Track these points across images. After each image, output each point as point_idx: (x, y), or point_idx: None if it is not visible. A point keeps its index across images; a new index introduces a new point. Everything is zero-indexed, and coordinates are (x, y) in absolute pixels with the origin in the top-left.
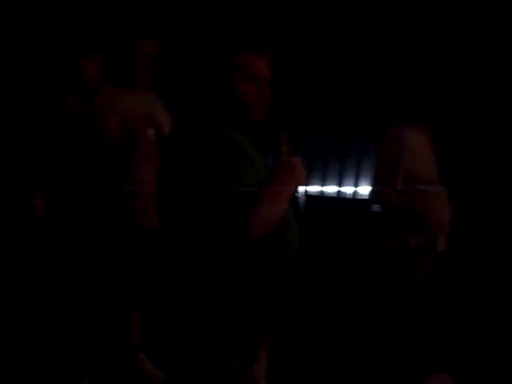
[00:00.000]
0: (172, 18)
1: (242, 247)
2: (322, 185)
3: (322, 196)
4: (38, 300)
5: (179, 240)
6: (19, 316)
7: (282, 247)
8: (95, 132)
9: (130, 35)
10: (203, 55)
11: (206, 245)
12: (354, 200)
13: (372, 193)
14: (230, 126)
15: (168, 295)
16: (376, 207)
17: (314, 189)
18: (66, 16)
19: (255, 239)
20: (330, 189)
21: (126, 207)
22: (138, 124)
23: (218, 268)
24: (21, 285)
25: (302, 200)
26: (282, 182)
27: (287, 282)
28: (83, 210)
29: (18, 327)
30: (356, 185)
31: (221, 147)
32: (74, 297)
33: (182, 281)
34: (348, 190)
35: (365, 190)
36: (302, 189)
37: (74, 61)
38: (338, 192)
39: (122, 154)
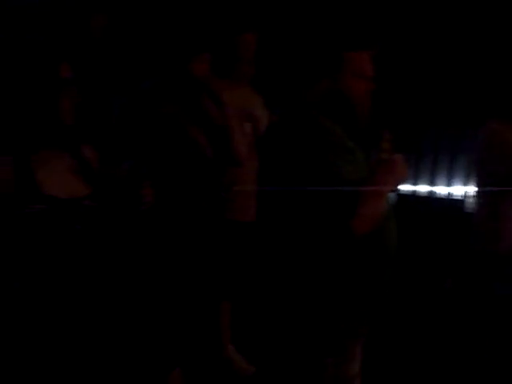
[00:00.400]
0: (274, 15)
1: (343, 244)
2: (414, 184)
3: (413, 195)
4: (138, 288)
5: (280, 235)
6: (118, 304)
7: (381, 245)
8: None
9: (233, 30)
10: (306, 52)
11: (307, 240)
12: (447, 200)
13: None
14: (333, 121)
15: (264, 290)
16: (469, 207)
17: (405, 188)
18: (178, 16)
19: (358, 237)
20: (422, 188)
21: (222, 199)
22: (236, 118)
23: (319, 264)
24: (123, 271)
25: (393, 199)
26: (384, 180)
27: (385, 280)
28: (184, 202)
29: (118, 315)
30: (449, 184)
31: (323, 143)
32: (169, 286)
33: (280, 276)
34: (440, 189)
35: (458, 189)
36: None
37: (186, 62)
38: (430, 192)
39: (221, 147)
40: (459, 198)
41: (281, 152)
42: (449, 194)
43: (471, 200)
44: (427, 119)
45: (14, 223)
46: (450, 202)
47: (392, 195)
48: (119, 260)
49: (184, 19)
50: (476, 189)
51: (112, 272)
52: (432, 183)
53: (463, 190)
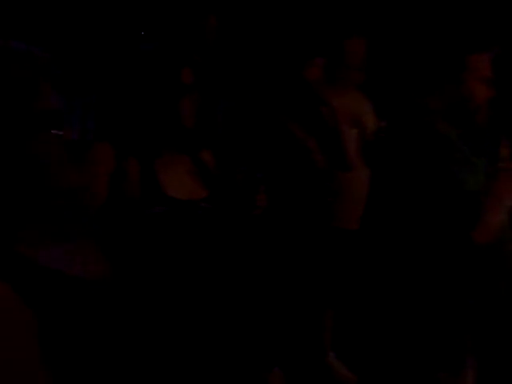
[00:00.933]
0: (387, 20)
1: (464, 255)
2: None
3: None
4: (248, 288)
5: (393, 243)
6: (229, 302)
7: (500, 256)
8: (325, 129)
9: (342, 36)
10: (427, 58)
11: (425, 252)
12: None
13: None
14: (450, 125)
15: (372, 299)
16: None
17: None
18: (291, 20)
19: (479, 246)
20: None
21: (329, 206)
22: (346, 123)
23: (437, 274)
24: (235, 272)
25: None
26: (505, 189)
27: (502, 293)
28: (294, 207)
29: (229, 313)
30: None
31: (445, 152)
32: (274, 291)
33: (392, 286)
34: None
35: None
36: None
37: (299, 67)
38: None
39: (331, 152)
40: None
41: (397, 159)
42: None
43: None
44: None
45: (139, 222)
46: None
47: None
48: (232, 261)
49: (297, 23)
50: None
51: (224, 272)
52: None
53: None
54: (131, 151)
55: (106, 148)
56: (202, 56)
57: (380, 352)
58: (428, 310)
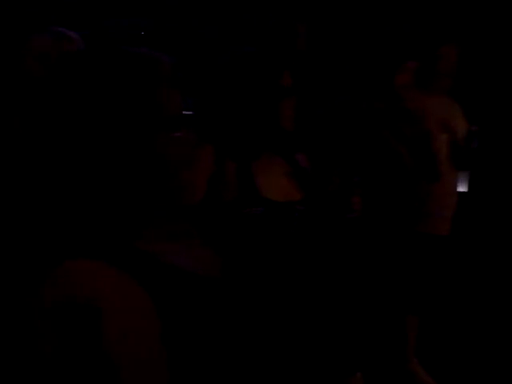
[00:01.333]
0: (477, 28)
1: None
2: None
3: None
4: (334, 292)
5: (492, 249)
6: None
7: None
8: (416, 134)
9: (436, 41)
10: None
11: None
12: None
13: None
14: None
15: (461, 305)
16: None
17: None
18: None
19: None
20: None
21: (415, 211)
22: (435, 128)
23: None
24: (326, 274)
25: None
26: None
27: None
28: (385, 211)
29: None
30: None
31: None
32: (362, 294)
33: (486, 291)
34: None
35: None
36: None
37: (390, 71)
38: None
39: (421, 157)
40: None
41: (498, 163)
42: None
43: None
44: None
45: (237, 223)
46: None
47: None
48: (326, 263)
49: (391, 27)
50: None
51: (319, 274)
52: None
53: None
54: (229, 153)
55: (208, 149)
56: (299, 60)
57: (464, 359)
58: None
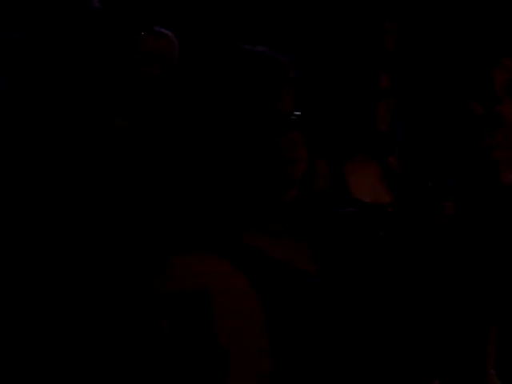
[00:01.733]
0: None
1: None
2: None
3: None
4: (417, 299)
5: None
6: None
7: None
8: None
9: None
10: None
11: None
12: None
13: None
14: None
15: None
16: None
17: None
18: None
19: None
20: None
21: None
22: None
23: None
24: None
25: None
26: None
27: None
28: (476, 218)
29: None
30: None
31: None
32: (444, 302)
33: None
34: None
35: None
36: None
37: (488, 68)
38: None
39: None
40: None
41: None
42: None
43: None
44: None
45: (328, 222)
46: None
47: None
48: (414, 268)
49: (486, 23)
50: None
51: (405, 280)
52: None
53: None
54: (322, 153)
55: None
56: (393, 61)
57: None
58: None
